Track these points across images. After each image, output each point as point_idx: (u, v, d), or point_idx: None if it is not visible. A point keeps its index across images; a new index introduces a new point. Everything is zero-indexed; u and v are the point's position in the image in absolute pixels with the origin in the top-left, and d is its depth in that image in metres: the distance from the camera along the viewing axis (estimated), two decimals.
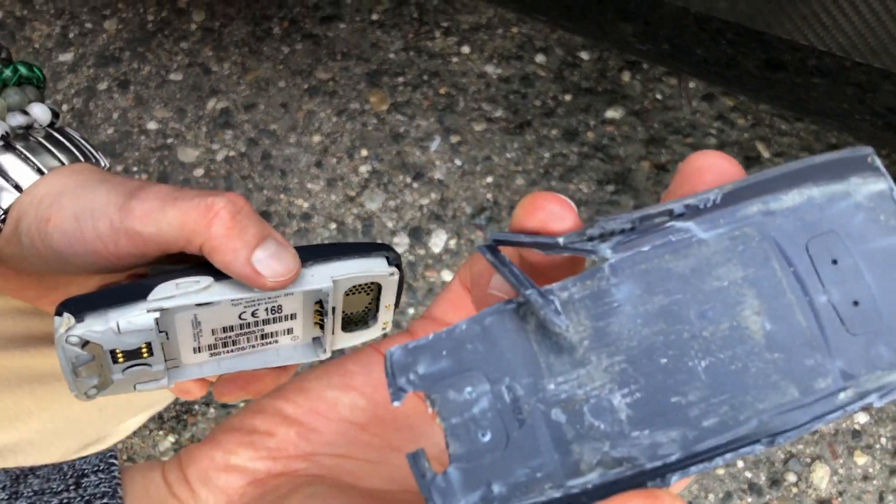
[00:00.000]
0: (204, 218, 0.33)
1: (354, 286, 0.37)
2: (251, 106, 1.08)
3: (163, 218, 0.33)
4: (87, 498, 0.24)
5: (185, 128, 1.06)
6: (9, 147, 0.37)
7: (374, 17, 1.17)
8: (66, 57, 1.12)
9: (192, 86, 1.09)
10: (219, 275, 0.34)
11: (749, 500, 0.82)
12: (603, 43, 1.14)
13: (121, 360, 0.34)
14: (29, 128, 0.39)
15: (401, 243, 0.97)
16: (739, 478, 0.83)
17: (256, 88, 1.10)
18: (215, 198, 0.33)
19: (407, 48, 1.14)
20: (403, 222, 0.98)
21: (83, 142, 0.40)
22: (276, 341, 0.38)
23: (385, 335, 0.38)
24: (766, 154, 1.07)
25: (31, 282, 0.39)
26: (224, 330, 0.36)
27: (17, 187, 0.36)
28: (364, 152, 1.03)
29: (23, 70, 0.40)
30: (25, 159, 0.36)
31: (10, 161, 0.36)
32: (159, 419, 0.84)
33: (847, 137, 1.09)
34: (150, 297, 0.33)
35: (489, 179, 1.02)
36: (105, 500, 0.25)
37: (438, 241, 0.97)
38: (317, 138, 1.05)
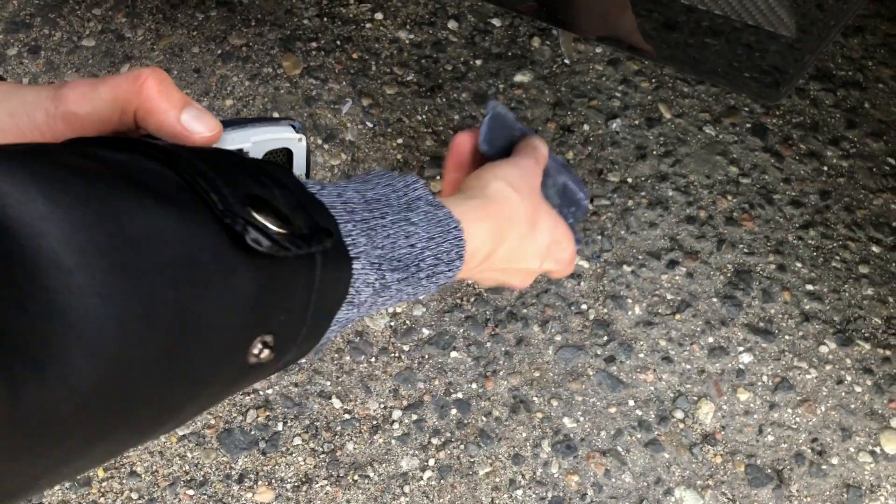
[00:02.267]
0: (134, 86, 0.36)
1: (269, 154, 0.42)
2: (165, 71, 1.09)
3: (96, 96, 0.36)
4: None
5: None
6: None
7: None
8: None
9: (104, 52, 1.10)
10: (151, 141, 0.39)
11: (638, 436, 0.87)
12: (507, 7, 1.17)
13: None
14: None
15: None
16: (630, 415, 0.88)
17: (170, 54, 1.11)
18: (141, 69, 0.37)
19: (321, 14, 1.16)
20: None
21: None
22: None
23: None
24: (667, 115, 1.12)
25: None
26: None
27: None
28: (276, 115, 1.06)
29: None
30: None
31: None
32: None
33: (743, 98, 1.15)
34: None
35: (399, 141, 1.05)
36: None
37: None
38: (229, 102, 1.06)
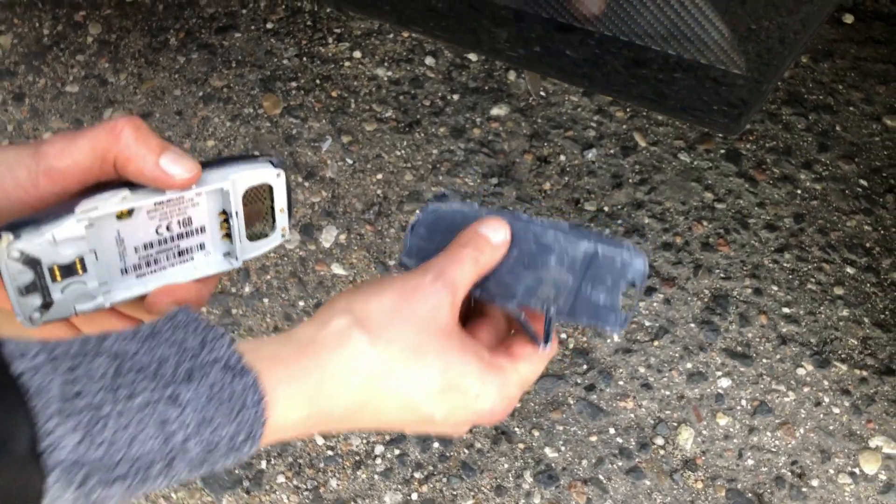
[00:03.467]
0: (111, 135, 0.38)
1: (251, 190, 0.42)
2: (147, 114, 1.11)
3: (75, 149, 0.38)
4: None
5: None
6: None
7: (269, 25, 1.21)
8: None
9: (88, 97, 1.12)
10: (133, 188, 0.40)
11: (619, 463, 0.88)
12: (478, 51, 1.20)
13: (58, 277, 0.38)
14: None
15: (292, 240, 1.01)
16: (611, 443, 0.89)
17: (152, 97, 1.13)
18: (117, 119, 0.39)
19: (301, 54, 1.19)
20: (295, 220, 1.02)
21: None
22: (193, 258, 0.43)
23: (285, 239, 0.45)
24: (642, 143, 1.14)
25: None
26: (145, 247, 0.41)
27: None
28: (257, 154, 1.07)
29: None
30: None
31: None
32: None
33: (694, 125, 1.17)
34: (77, 209, 0.38)
35: (379, 176, 1.07)
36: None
37: (329, 236, 1.01)
38: (211, 143, 1.08)
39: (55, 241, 0.37)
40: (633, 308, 0.44)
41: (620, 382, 0.93)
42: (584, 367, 0.93)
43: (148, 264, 0.42)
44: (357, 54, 1.19)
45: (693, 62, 0.64)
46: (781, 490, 0.86)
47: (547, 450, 0.88)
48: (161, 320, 0.34)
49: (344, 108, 1.13)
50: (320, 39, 1.20)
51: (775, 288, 1.01)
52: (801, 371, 0.94)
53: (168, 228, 0.42)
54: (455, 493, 0.85)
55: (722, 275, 1.02)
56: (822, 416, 0.91)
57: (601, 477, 0.86)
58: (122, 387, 0.29)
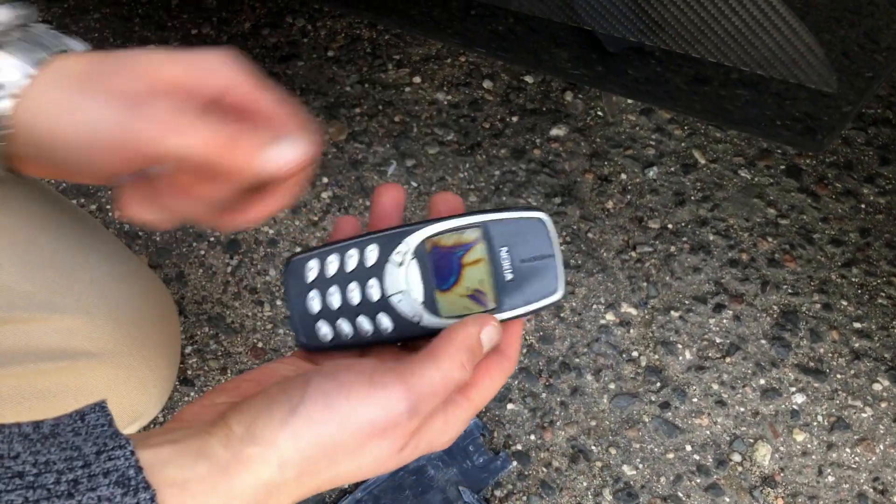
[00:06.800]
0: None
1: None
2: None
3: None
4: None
5: None
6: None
7: (330, 53, 1.24)
8: None
9: None
10: None
11: (698, 480, 0.88)
12: (540, 70, 1.22)
13: None
14: None
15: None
16: (688, 461, 0.89)
17: None
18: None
19: (362, 81, 1.21)
20: None
21: None
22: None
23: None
24: (702, 161, 1.15)
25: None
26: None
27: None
28: (325, 179, 1.10)
29: None
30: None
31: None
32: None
33: (773, 142, 1.17)
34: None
35: None
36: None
37: None
38: None
39: None
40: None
41: (694, 400, 0.93)
42: (658, 384, 0.94)
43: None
44: (417, 79, 1.22)
45: (782, 81, 0.65)
46: None
47: (625, 467, 0.88)
48: (69, 417, 0.29)
49: (406, 133, 1.16)
50: (380, 66, 1.23)
51: (845, 303, 1.01)
52: (877, 386, 0.94)
53: None
54: None
55: (790, 290, 1.02)
56: None
57: (680, 494, 0.87)
58: None
